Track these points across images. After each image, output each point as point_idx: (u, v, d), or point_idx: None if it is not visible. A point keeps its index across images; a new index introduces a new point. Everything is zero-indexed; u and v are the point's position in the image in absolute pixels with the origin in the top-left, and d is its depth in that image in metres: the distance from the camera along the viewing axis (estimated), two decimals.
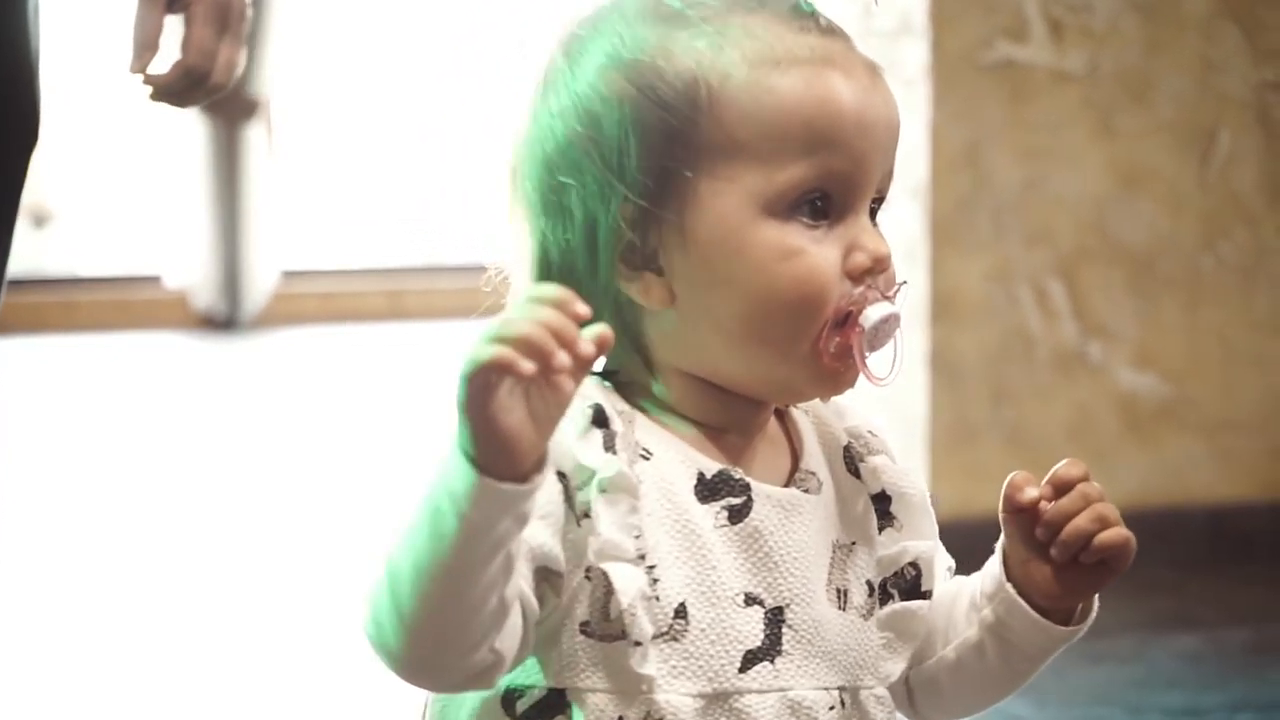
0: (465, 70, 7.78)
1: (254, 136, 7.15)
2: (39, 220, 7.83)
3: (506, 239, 1.40)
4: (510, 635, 1.27)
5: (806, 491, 1.38)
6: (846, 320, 1.33)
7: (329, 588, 3.94)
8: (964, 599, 1.45)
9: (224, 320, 7.13)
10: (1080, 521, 1.37)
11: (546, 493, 1.27)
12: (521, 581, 1.27)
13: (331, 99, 7.84)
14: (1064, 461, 1.39)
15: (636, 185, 1.33)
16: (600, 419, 1.32)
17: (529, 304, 1.19)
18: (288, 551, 4.24)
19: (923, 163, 3.82)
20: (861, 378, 1.36)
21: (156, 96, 1.84)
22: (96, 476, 4.97)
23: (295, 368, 6.60)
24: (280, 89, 7.35)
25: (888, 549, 1.42)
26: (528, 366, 1.17)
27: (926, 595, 1.42)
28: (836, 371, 1.34)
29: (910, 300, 3.89)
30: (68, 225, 7.84)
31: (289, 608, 3.81)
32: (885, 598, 1.41)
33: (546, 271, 1.37)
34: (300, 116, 7.68)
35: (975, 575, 1.45)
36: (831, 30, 1.37)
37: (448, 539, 1.21)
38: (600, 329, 1.19)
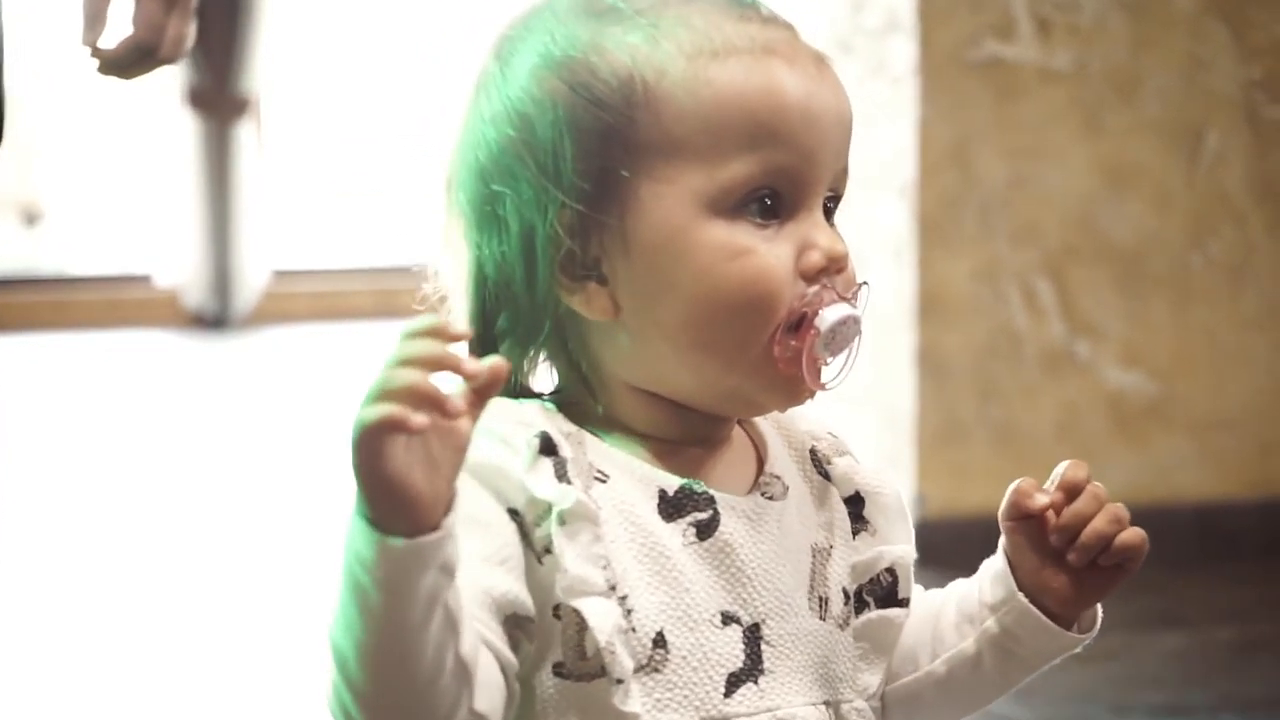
0: (456, 69, 7.78)
1: (244, 135, 7.15)
2: (30, 219, 7.83)
3: (442, 255, 1.34)
4: (488, 693, 1.19)
5: (770, 498, 1.32)
6: (801, 323, 1.26)
7: (317, 585, 3.94)
8: (950, 610, 1.39)
9: (214, 319, 7.13)
10: (1098, 524, 1.32)
11: (501, 536, 1.21)
12: (488, 634, 1.20)
13: (321, 98, 7.84)
14: (1067, 463, 1.35)
15: (573, 190, 1.26)
16: (548, 446, 1.25)
17: (403, 343, 1.12)
18: (277, 549, 4.24)
19: (910, 161, 3.82)
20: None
21: (105, 70, 1.85)
22: (88, 475, 4.96)
23: (285, 366, 6.59)
24: (270, 88, 7.35)
25: (862, 554, 1.35)
26: (419, 421, 1.10)
27: (904, 603, 1.36)
28: (792, 379, 1.27)
29: (898, 299, 3.91)
30: (59, 224, 7.84)
31: (278, 606, 3.81)
32: (860, 606, 1.35)
33: (482, 287, 1.30)
34: (290, 115, 7.68)
35: (958, 584, 1.40)
36: (774, 19, 1.30)
37: (376, 609, 1.13)
38: (494, 361, 1.12)
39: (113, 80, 1.87)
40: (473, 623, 1.18)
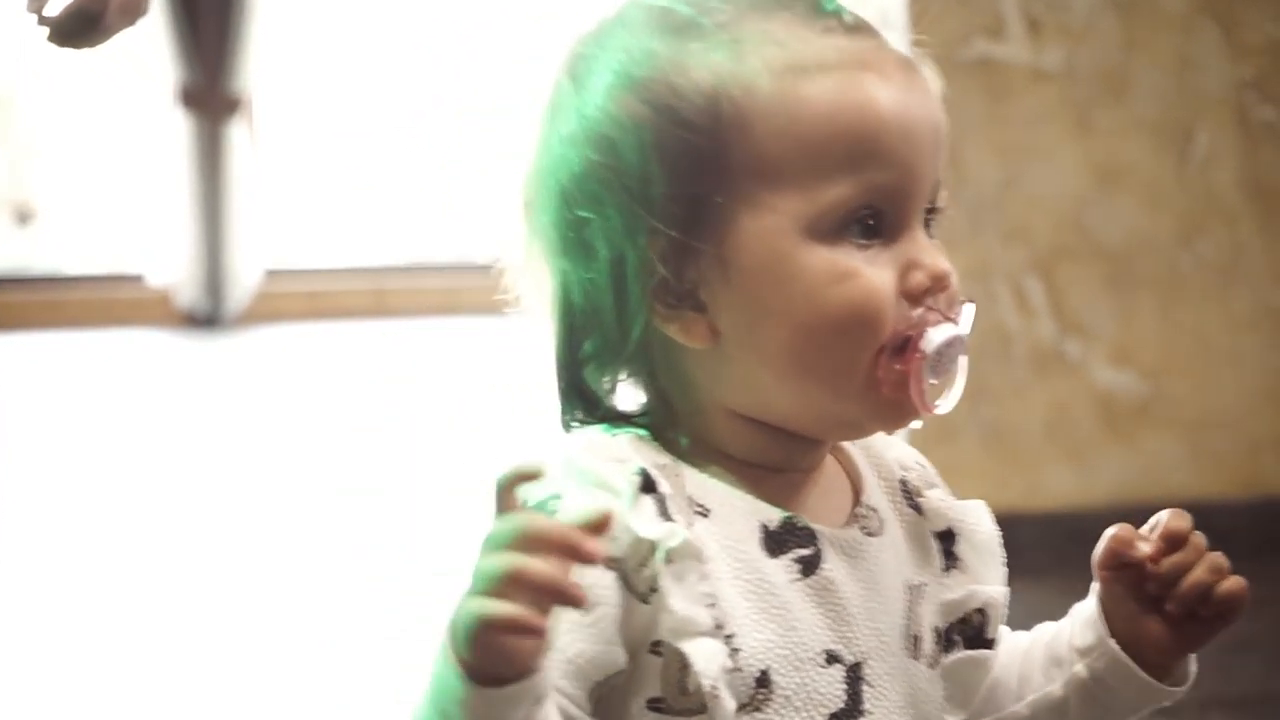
0: (450, 68, 7.78)
1: (237, 134, 7.15)
2: (23, 219, 7.82)
3: (523, 279, 1.28)
4: None
5: (869, 533, 1.27)
6: (906, 346, 1.22)
7: (310, 585, 3.94)
8: (1039, 651, 1.36)
9: (207, 318, 7.13)
10: (1199, 574, 1.30)
11: (596, 592, 1.16)
12: (570, 707, 1.17)
13: (315, 97, 7.84)
14: (1168, 513, 1.31)
15: (666, 216, 1.21)
16: (648, 484, 1.20)
17: (524, 525, 1.08)
18: (270, 549, 4.24)
19: None
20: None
21: (52, 38, 1.85)
22: (80, 474, 4.96)
23: (278, 366, 6.59)
24: (263, 87, 7.35)
25: (953, 593, 1.31)
26: (542, 624, 1.07)
27: (991, 644, 1.31)
28: (898, 403, 1.22)
29: None
30: (51, 223, 7.83)
31: (271, 605, 3.81)
32: (949, 645, 1.30)
33: (570, 314, 1.25)
34: (283, 114, 7.68)
35: (1047, 627, 1.37)
36: (858, 28, 1.25)
37: None
38: (602, 515, 1.08)
39: (62, 50, 1.86)
40: (557, 699, 1.16)
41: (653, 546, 1.18)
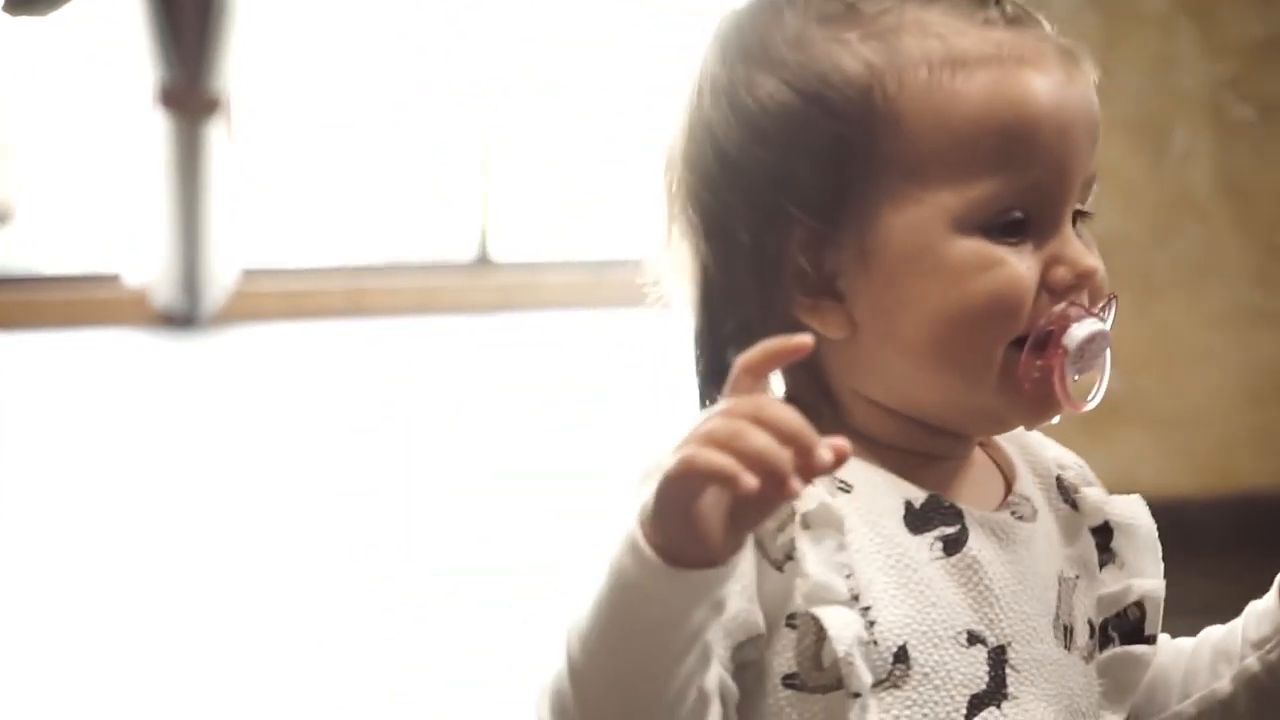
0: (427, 66, 7.77)
1: (214, 134, 7.14)
2: (1, 219, 7.80)
3: (664, 260, 1.26)
4: None
5: (1020, 518, 1.24)
6: (1048, 340, 1.19)
7: (289, 583, 3.93)
8: (1205, 649, 1.31)
9: (184, 318, 7.12)
10: None
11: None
12: (719, 666, 1.13)
13: (293, 96, 7.83)
14: None
15: (808, 205, 1.19)
16: None
17: (763, 403, 1.04)
18: (249, 547, 4.22)
19: None
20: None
21: (8, 8, 1.85)
22: (57, 473, 4.95)
23: (255, 365, 6.58)
24: (241, 87, 7.34)
25: (1110, 587, 1.27)
26: (750, 485, 1.02)
27: (1150, 640, 1.28)
28: (1040, 398, 1.20)
29: None
30: (28, 224, 7.81)
31: (249, 602, 3.80)
32: (1105, 640, 1.27)
33: (711, 296, 1.23)
34: (261, 114, 7.67)
35: (1216, 628, 1.32)
36: (1020, 19, 1.21)
37: (638, 636, 1.07)
38: (840, 444, 1.03)
39: (24, 17, 1.86)
40: (716, 650, 1.12)
41: (791, 511, 1.16)
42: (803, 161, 1.19)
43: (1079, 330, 1.20)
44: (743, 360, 1.06)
